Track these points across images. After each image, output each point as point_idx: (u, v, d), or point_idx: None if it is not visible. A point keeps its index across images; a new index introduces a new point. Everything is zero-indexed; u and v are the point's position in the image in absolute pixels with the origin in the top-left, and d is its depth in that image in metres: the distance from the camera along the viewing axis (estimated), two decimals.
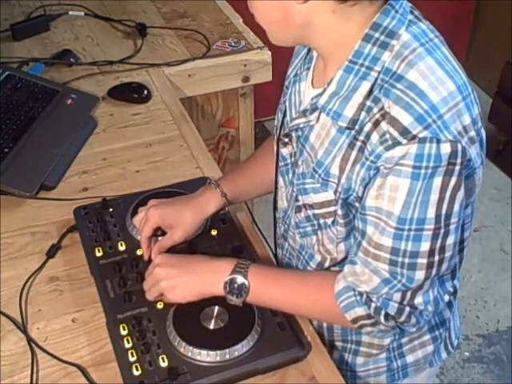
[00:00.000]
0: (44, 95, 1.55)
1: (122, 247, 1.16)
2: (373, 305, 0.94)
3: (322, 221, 1.00)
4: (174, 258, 1.07)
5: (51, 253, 1.20)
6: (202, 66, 1.76)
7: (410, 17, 0.89)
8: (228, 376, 0.97)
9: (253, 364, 0.98)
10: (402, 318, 0.95)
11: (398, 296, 0.93)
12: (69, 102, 1.55)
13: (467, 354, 2.32)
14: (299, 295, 1.02)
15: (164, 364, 0.97)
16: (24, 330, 1.06)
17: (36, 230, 1.26)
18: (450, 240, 0.90)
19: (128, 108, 1.59)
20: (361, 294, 0.95)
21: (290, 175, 1.06)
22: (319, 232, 1.02)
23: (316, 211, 0.99)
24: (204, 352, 0.97)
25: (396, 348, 1.11)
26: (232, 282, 0.99)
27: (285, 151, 1.06)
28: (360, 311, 0.96)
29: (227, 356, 0.98)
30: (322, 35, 0.91)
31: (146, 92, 1.61)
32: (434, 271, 0.91)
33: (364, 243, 0.92)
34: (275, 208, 1.16)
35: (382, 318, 0.95)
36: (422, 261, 0.89)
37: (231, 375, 0.97)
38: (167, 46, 1.82)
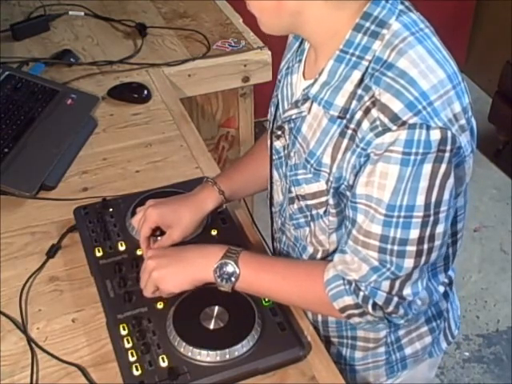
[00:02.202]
0: (44, 95, 1.55)
1: (122, 247, 1.16)
2: (361, 293, 0.94)
3: (314, 212, 1.01)
4: (165, 250, 1.09)
5: (51, 253, 1.20)
6: (202, 65, 1.76)
7: (401, 7, 0.90)
8: (228, 376, 0.97)
9: (253, 364, 0.98)
10: (390, 309, 0.95)
11: (386, 285, 0.93)
12: (69, 102, 1.55)
13: (467, 353, 2.32)
14: (289, 283, 1.02)
15: (164, 364, 0.97)
16: (24, 330, 1.07)
17: (36, 230, 1.26)
18: (440, 228, 0.90)
19: (128, 108, 1.59)
20: (350, 282, 0.95)
21: (284, 168, 1.07)
22: (312, 223, 1.03)
23: (308, 202, 1.00)
24: (204, 352, 0.97)
25: (394, 342, 1.11)
26: (222, 267, 1.00)
27: (278, 144, 1.06)
28: (348, 300, 0.96)
29: (227, 356, 0.98)
30: (313, 25, 0.91)
31: (145, 92, 1.61)
32: (423, 259, 0.91)
33: (354, 231, 0.92)
34: (271, 203, 1.16)
35: (369, 308, 0.94)
36: (411, 248, 0.89)
37: (231, 375, 0.97)
38: (167, 46, 1.82)
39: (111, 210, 1.24)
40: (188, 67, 1.75)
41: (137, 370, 0.96)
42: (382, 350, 1.11)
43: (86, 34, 1.88)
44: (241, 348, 0.98)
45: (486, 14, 3.44)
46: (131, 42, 1.83)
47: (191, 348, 0.98)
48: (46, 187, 1.34)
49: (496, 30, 3.33)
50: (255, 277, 1.02)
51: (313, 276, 1.00)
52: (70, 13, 1.95)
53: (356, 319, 0.98)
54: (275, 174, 1.11)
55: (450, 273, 1.10)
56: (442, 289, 1.07)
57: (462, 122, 0.87)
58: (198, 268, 1.02)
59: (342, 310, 0.97)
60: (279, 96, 1.07)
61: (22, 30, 1.84)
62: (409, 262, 0.90)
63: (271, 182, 1.13)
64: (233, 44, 1.82)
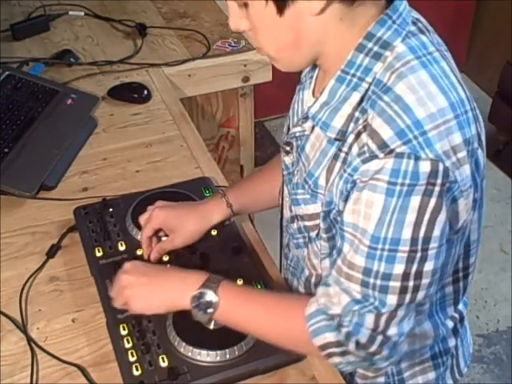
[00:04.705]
0: (44, 95, 1.55)
1: (122, 247, 1.16)
2: (344, 330, 0.88)
3: (311, 233, 0.97)
4: (145, 267, 1.03)
5: (51, 253, 1.20)
6: (202, 65, 1.76)
7: (412, 28, 0.86)
8: (228, 376, 0.97)
9: (253, 364, 0.98)
10: (374, 348, 0.88)
11: (370, 322, 0.86)
12: (69, 101, 1.55)
13: None
14: (269, 317, 0.96)
15: (164, 364, 0.97)
16: (24, 330, 1.07)
17: (36, 230, 1.26)
18: (429, 266, 0.84)
19: (128, 108, 1.59)
20: (333, 317, 0.89)
21: (290, 185, 1.04)
22: (309, 245, 1.00)
23: (306, 223, 0.97)
24: (204, 352, 0.97)
25: (396, 373, 1.06)
26: (200, 296, 0.94)
27: (287, 160, 1.03)
28: (330, 337, 0.89)
29: (227, 356, 0.98)
30: (329, 47, 0.87)
31: (145, 92, 1.61)
32: (407, 297, 0.85)
33: (339, 261, 0.88)
34: (281, 217, 1.12)
35: (352, 346, 0.88)
36: (395, 284, 0.84)
37: (231, 375, 0.97)
38: (167, 46, 1.82)
39: (111, 209, 1.24)
40: (188, 67, 1.75)
41: (137, 370, 0.96)
42: (382, 380, 1.06)
43: (86, 34, 1.88)
44: (241, 348, 0.98)
45: (486, 14, 3.44)
46: (131, 42, 1.83)
47: (191, 348, 0.98)
48: (46, 187, 1.34)
49: (496, 30, 3.33)
50: (232, 309, 0.96)
51: (292, 310, 0.95)
52: (70, 13, 1.95)
53: (337, 359, 0.91)
54: (285, 189, 1.07)
55: (461, 308, 1.06)
56: (450, 324, 1.03)
57: (462, 154, 0.81)
58: (174, 295, 0.98)
59: (323, 347, 0.90)
60: (290, 111, 1.04)
61: (22, 29, 1.84)
62: (392, 299, 0.85)
63: (282, 197, 1.10)
64: (233, 44, 1.82)
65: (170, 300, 0.98)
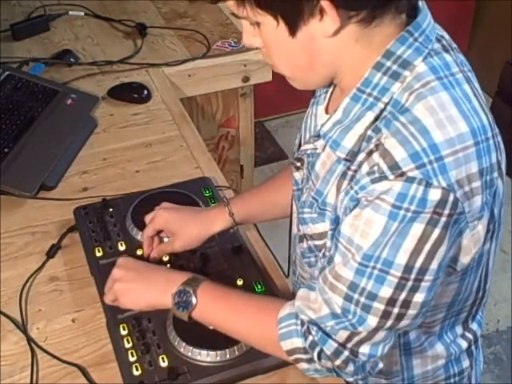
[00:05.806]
0: (44, 95, 1.55)
1: (121, 247, 1.16)
2: (310, 338, 0.87)
3: (320, 253, 0.95)
4: (136, 263, 1.07)
5: (51, 253, 1.20)
6: (202, 65, 1.76)
7: (436, 46, 0.82)
8: (228, 376, 0.97)
9: (253, 364, 0.98)
10: (338, 362, 0.86)
11: (342, 336, 0.85)
12: (69, 101, 1.55)
13: None
14: (240, 317, 0.97)
15: (164, 364, 0.97)
16: (24, 330, 1.06)
17: (36, 230, 1.26)
18: (419, 298, 0.81)
19: (128, 108, 1.59)
20: (302, 323, 0.88)
21: (298, 202, 1.02)
22: (319, 264, 0.97)
23: (316, 242, 0.94)
24: (204, 352, 0.98)
25: None
26: (180, 293, 0.97)
27: (297, 176, 1.00)
28: (297, 342, 0.89)
29: (227, 356, 0.98)
30: (345, 67, 0.85)
31: (145, 92, 1.61)
32: (388, 323, 0.82)
33: (326, 270, 0.86)
34: (291, 232, 1.11)
35: (315, 355, 0.87)
36: (379, 306, 0.81)
37: (231, 375, 0.97)
38: (167, 46, 1.82)
39: (111, 209, 1.24)
40: (188, 67, 1.75)
41: (137, 370, 0.96)
42: None
43: (86, 34, 1.88)
44: (241, 348, 0.98)
45: (486, 14, 3.44)
46: (131, 42, 1.83)
47: (191, 348, 0.98)
48: (45, 187, 1.34)
49: (496, 30, 3.33)
50: (209, 307, 0.98)
51: (265, 311, 0.95)
52: (70, 13, 1.95)
53: (304, 365, 0.91)
54: (294, 205, 1.05)
55: (475, 328, 1.03)
56: (464, 344, 1.01)
57: (476, 184, 0.78)
58: (158, 292, 1.01)
59: (290, 352, 0.90)
60: (303, 125, 1.01)
61: (22, 29, 1.84)
62: (372, 320, 0.82)
63: (291, 213, 1.08)
64: (233, 44, 1.82)
65: (154, 297, 1.01)
